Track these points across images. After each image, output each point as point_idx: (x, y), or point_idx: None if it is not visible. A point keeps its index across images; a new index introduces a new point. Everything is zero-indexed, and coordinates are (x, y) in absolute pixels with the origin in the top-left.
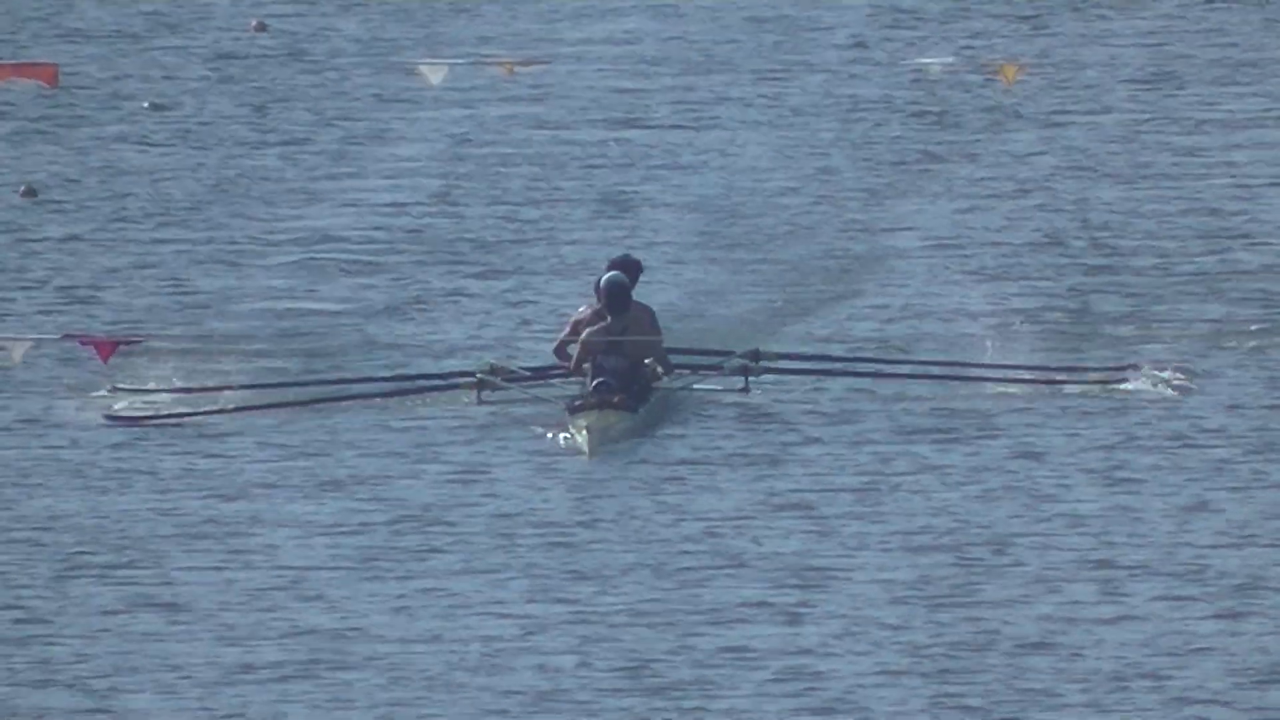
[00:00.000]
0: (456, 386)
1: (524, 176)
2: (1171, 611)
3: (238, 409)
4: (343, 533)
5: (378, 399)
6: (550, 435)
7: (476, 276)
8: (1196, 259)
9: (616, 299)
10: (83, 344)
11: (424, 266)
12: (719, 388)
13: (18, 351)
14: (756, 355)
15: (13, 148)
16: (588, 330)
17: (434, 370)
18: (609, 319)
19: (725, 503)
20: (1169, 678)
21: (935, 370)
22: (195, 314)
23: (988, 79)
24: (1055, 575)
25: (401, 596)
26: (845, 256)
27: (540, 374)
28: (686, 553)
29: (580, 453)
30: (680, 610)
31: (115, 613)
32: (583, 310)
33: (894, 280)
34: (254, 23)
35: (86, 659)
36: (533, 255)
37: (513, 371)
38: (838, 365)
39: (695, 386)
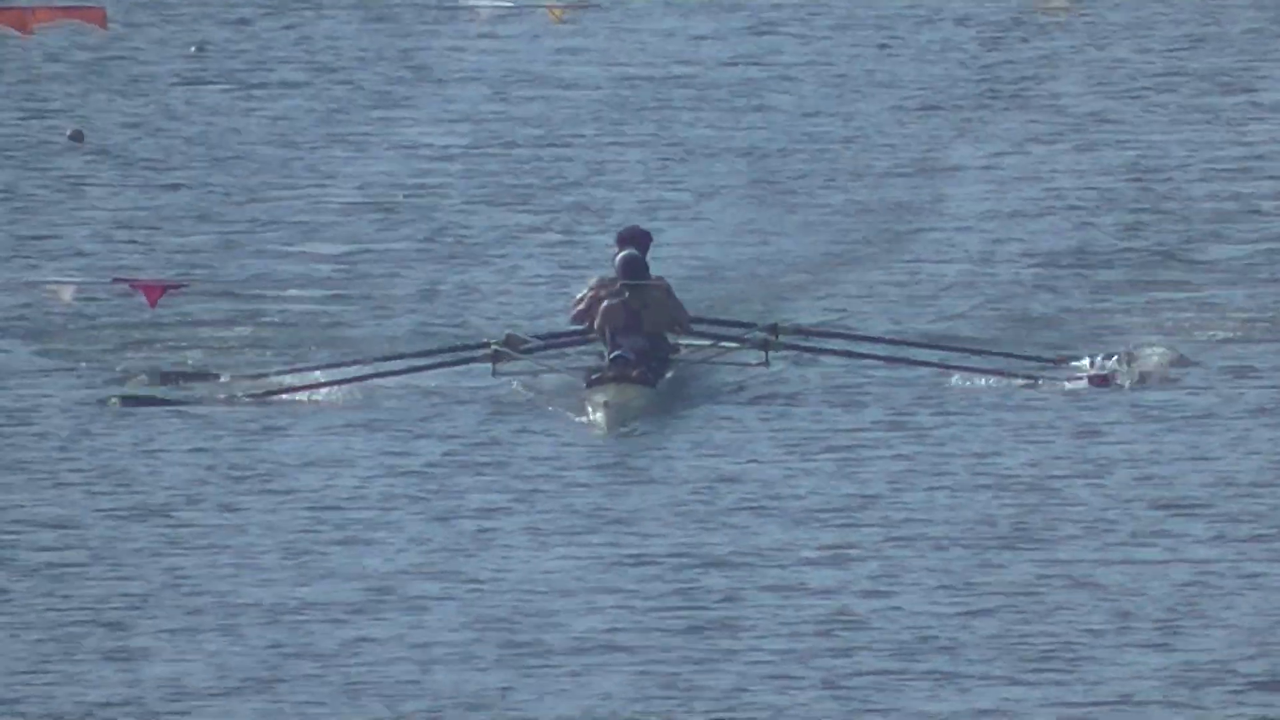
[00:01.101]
0: (473, 359)
1: (570, 122)
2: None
3: (257, 388)
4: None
5: (392, 374)
6: (567, 411)
7: (524, 224)
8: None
9: (634, 274)
10: (132, 287)
11: (473, 212)
12: (738, 362)
13: (66, 293)
14: (776, 329)
15: (62, 89)
16: (606, 304)
17: (453, 342)
18: (627, 295)
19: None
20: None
21: (953, 358)
22: (241, 259)
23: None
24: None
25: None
26: (897, 209)
27: (557, 340)
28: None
29: (598, 429)
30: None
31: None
32: (596, 287)
33: (939, 245)
34: None
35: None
36: (585, 199)
37: (528, 341)
38: (860, 344)
39: (714, 360)
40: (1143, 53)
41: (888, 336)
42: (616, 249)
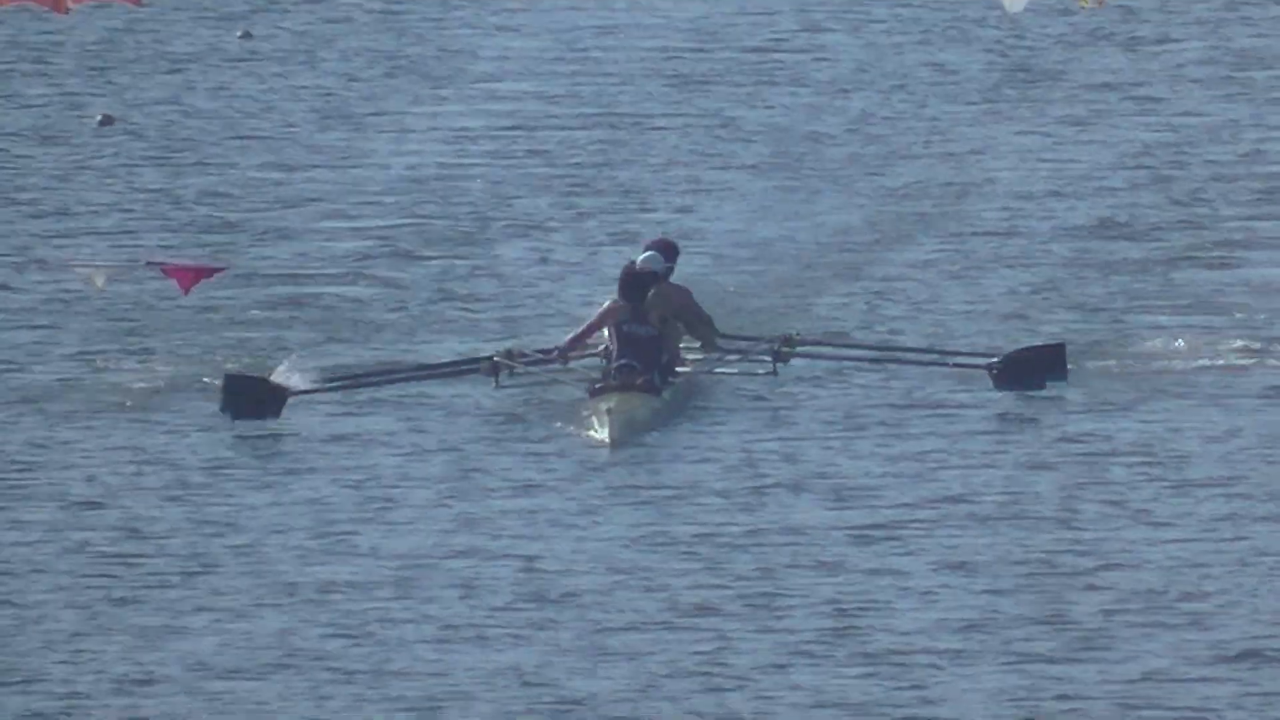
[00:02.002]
0: (474, 371)
1: (612, 101)
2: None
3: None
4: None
5: (397, 382)
6: (571, 420)
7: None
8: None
9: (634, 285)
10: (165, 272)
11: (514, 196)
12: (746, 371)
13: (100, 278)
14: (788, 340)
15: (95, 74)
16: (611, 302)
17: (455, 354)
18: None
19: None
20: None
21: (963, 363)
22: (276, 244)
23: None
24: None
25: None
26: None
27: (558, 354)
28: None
29: (602, 441)
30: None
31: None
32: (607, 304)
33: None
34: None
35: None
36: (628, 178)
37: (529, 354)
38: (870, 354)
39: (721, 370)
40: (1173, 42)
41: (896, 344)
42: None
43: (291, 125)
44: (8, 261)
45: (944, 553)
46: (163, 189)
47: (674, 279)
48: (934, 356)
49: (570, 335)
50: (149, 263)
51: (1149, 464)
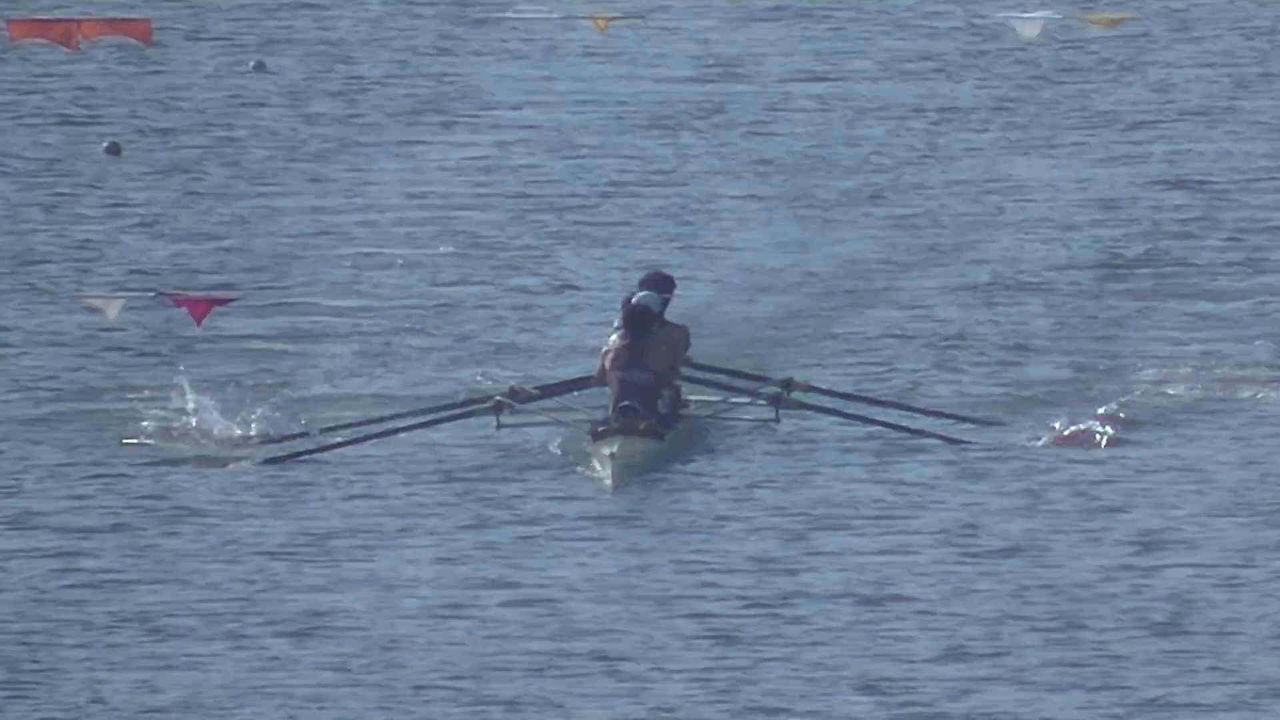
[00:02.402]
0: (474, 414)
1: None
2: None
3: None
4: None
5: (399, 432)
6: (573, 464)
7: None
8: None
9: (637, 323)
10: (176, 304)
11: (525, 227)
12: (749, 418)
13: (112, 310)
14: (790, 384)
15: (104, 105)
16: (613, 351)
17: (458, 396)
18: (629, 340)
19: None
20: None
21: (965, 427)
22: (285, 271)
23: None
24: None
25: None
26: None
27: (561, 389)
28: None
29: (604, 482)
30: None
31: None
32: (614, 340)
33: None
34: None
35: None
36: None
37: (531, 393)
38: (875, 408)
39: (724, 415)
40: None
41: (895, 400)
42: (637, 290)
43: (302, 156)
44: (21, 289)
45: (947, 594)
46: (170, 218)
47: (671, 311)
48: (932, 410)
49: (575, 378)
50: (160, 293)
51: (1169, 492)
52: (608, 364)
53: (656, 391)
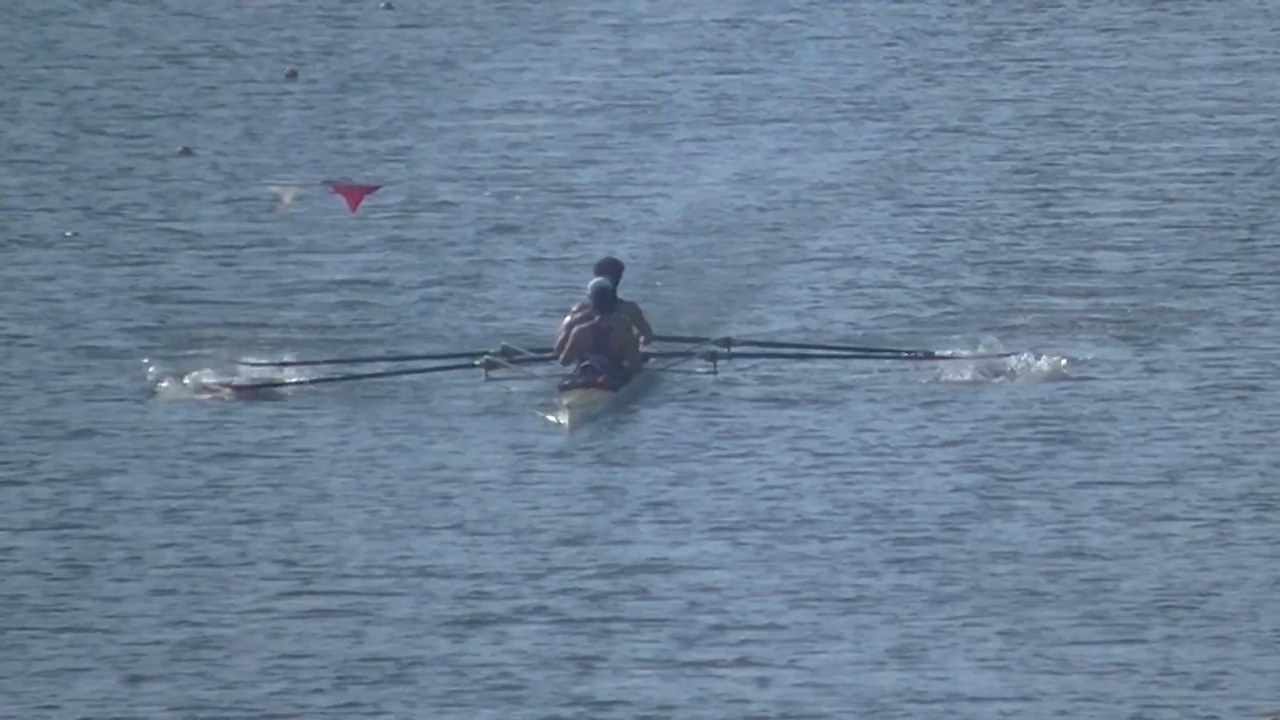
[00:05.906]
0: (469, 365)
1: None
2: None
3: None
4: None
5: (398, 375)
6: (539, 413)
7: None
8: None
9: (604, 301)
10: (335, 190)
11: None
12: (692, 370)
13: (288, 194)
14: (728, 341)
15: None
16: (577, 329)
17: (456, 348)
18: (597, 318)
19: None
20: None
21: (884, 357)
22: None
23: None
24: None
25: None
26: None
27: (546, 355)
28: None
29: (563, 428)
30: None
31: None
32: (575, 311)
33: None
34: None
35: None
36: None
37: (520, 353)
38: (801, 351)
39: (671, 369)
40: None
41: (826, 342)
42: (594, 276)
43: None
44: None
45: (873, 538)
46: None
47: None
48: (863, 351)
49: (557, 340)
50: (323, 182)
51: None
52: (573, 343)
53: (617, 358)
